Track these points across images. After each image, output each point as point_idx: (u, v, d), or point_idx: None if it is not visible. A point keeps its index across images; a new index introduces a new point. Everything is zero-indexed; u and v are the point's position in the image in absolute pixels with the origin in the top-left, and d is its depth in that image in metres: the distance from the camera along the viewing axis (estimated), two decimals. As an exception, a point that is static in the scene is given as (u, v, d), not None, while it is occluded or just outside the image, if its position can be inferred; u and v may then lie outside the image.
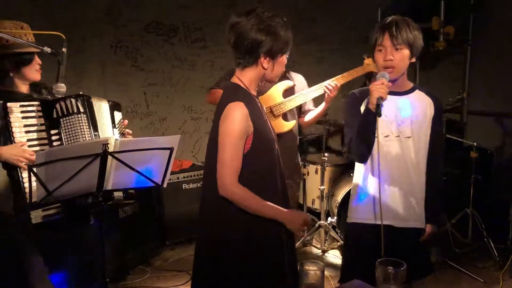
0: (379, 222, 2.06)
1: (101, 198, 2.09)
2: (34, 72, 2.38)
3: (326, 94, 3.12)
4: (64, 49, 2.22)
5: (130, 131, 2.66)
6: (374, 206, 2.15)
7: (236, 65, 1.96)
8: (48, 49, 2.22)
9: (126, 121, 2.66)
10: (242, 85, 1.93)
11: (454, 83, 5.31)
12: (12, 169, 2.21)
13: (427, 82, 5.53)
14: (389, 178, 2.14)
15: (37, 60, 2.38)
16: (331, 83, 3.09)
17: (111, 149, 1.95)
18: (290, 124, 3.16)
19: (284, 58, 1.96)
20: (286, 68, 3.25)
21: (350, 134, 2.16)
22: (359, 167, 2.25)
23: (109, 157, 1.97)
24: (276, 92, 3.12)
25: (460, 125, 5.15)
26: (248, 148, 1.89)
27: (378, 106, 1.96)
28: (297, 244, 4.16)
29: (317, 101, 3.31)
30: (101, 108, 2.47)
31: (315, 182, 4.46)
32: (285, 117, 3.16)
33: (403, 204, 2.15)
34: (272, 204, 1.90)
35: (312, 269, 1.55)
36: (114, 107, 2.57)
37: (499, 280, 3.61)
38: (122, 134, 2.60)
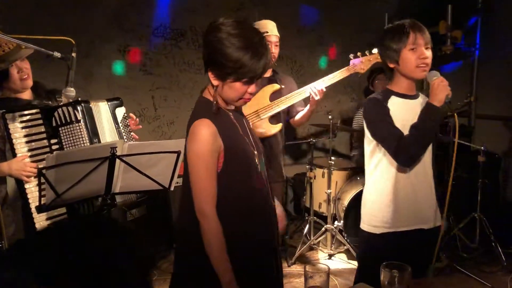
0: (411, 228, 2.11)
1: (109, 201, 2.12)
2: (17, 83, 2.34)
3: (311, 97, 3.16)
4: (73, 54, 2.25)
5: (137, 137, 2.68)
6: (407, 211, 2.12)
7: None
8: (58, 54, 2.25)
9: (133, 116, 2.67)
10: (212, 98, 1.75)
11: (461, 87, 5.30)
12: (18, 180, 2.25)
13: (435, 86, 5.52)
14: (417, 179, 2.12)
15: (18, 69, 2.32)
16: (317, 87, 3.12)
17: (119, 152, 1.97)
18: (277, 127, 3.23)
19: (238, 86, 1.69)
20: (275, 70, 3.37)
21: (392, 136, 2.03)
22: (384, 172, 2.13)
23: (118, 160, 1.99)
24: (263, 95, 3.20)
25: (468, 129, 5.14)
26: (220, 167, 1.74)
27: (450, 103, 1.99)
28: (304, 247, 4.17)
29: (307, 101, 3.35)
30: (100, 111, 2.46)
31: (322, 185, 4.47)
32: (271, 120, 3.23)
33: (428, 205, 2.16)
34: (230, 267, 1.69)
35: (316, 272, 1.56)
36: (114, 104, 2.56)
37: (507, 285, 3.59)
38: (128, 131, 2.59)
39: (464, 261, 3.95)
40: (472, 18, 4.99)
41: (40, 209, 1.97)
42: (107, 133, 2.44)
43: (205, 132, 1.68)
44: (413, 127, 2.01)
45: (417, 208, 2.12)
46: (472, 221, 4.17)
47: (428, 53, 2.06)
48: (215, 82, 1.72)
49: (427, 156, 2.14)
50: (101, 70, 4.46)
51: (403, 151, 2.01)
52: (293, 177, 5.29)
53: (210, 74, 1.72)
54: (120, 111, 2.60)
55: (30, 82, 2.39)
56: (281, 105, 3.22)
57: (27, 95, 2.42)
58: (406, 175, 2.10)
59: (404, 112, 2.09)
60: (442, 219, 2.22)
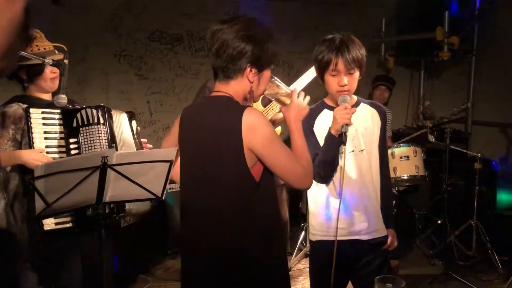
0: (346, 238, 2.12)
1: (101, 211, 2.09)
2: (48, 82, 2.39)
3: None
4: (65, 61, 2.23)
5: (146, 140, 2.68)
6: (337, 222, 2.13)
7: (217, 77, 1.76)
8: (49, 61, 2.24)
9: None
10: (232, 97, 1.74)
11: (458, 93, 5.29)
12: (27, 174, 2.24)
13: (431, 92, 5.52)
14: (349, 193, 2.14)
15: (50, 69, 2.38)
16: (298, 88, 3.14)
17: (110, 162, 1.94)
18: (277, 131, 3.21)
19: (269, 73, 1.80)
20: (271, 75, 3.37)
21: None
22: (319, 186, 2.21)
23: (108, 170, 1.96)
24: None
25: (465, 136, 5.12)
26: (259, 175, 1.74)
27: (345, 134, 1.96)
28: (300, 254, 4.14)
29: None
30: (121, 120, 2.50)
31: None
32: None
33: (366, 217, 2.16)
34: (298, 143, 1.81)
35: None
36: (131, 117, 2.62)
37: (503, 293, 3.57)
38: (140, 142, 2.63)
39: (460, 269, 3.93)
40: (469, 24, 4.98)
41: (30, 219, 1.94)
42: (127, 143, 2.48)
43: (264, 117, 1.70)
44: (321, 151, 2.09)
45: (349, 219, 2.15)
46: (468, 228, 4.15)
47: (350, 79, 2.05)
48: (253, 78, 1.73)
49: (364, 168, 2.14)
50: (96, 74, 4.44)
51: (314, 171, 2.08)
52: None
53: (249, 72, 1.71)
54: (134, 124, 2.64)
55: (56, 85, 2.43)
56: (275, 108, 3.19)
57: (48, 97, 2.46)
58: (337, 188, 2.13)
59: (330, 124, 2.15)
60: (391, 228, 2.22)
